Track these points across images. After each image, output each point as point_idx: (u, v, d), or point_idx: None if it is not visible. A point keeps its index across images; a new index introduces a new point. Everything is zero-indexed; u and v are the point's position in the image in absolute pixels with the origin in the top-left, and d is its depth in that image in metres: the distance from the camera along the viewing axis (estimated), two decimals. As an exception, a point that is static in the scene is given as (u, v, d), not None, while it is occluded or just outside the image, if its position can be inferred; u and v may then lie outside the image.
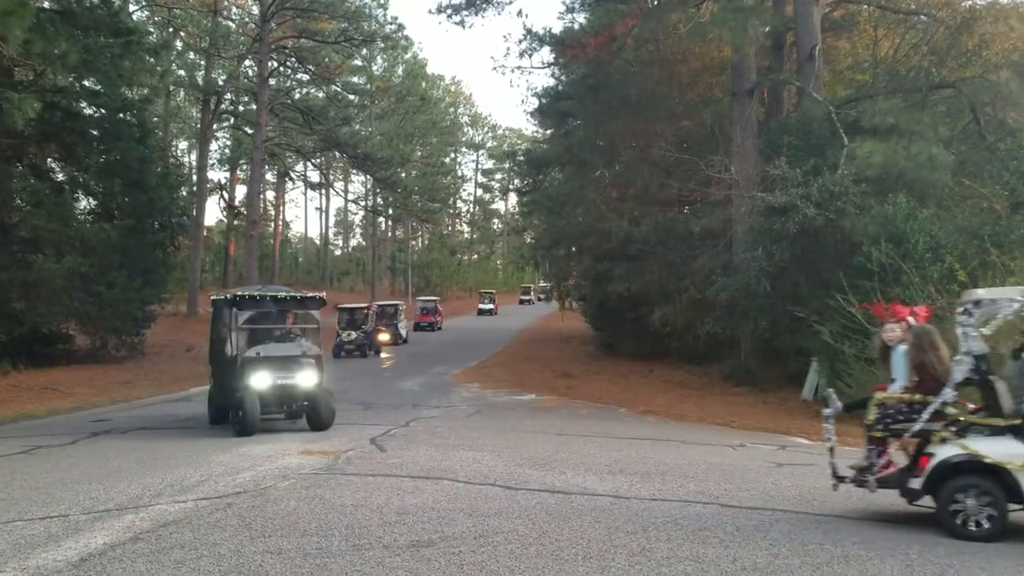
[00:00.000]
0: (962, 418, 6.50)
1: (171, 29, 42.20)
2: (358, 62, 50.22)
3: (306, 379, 11.95)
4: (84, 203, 28.73)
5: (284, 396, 12.07)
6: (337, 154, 50.91)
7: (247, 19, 45.43)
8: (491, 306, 62.60)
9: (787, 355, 18.95)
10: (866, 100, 19.91)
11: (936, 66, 21.84)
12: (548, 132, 42.71)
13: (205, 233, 48.05)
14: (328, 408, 12.06)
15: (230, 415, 12.54)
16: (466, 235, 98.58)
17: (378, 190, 57.25)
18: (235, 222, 53.82)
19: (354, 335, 30.81)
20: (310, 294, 13.39)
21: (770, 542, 5.95)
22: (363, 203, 69.04)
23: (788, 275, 17.80)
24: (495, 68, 73.86)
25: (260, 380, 11.77)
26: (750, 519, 6.70)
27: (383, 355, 31.70)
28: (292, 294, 13.24)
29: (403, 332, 38.04)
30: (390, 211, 64.32)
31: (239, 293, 12.58)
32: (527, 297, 79.33)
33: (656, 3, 22.67)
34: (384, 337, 34.71)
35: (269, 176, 62.28)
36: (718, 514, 6.82)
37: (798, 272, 17.78)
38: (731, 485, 8.10)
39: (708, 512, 6.89)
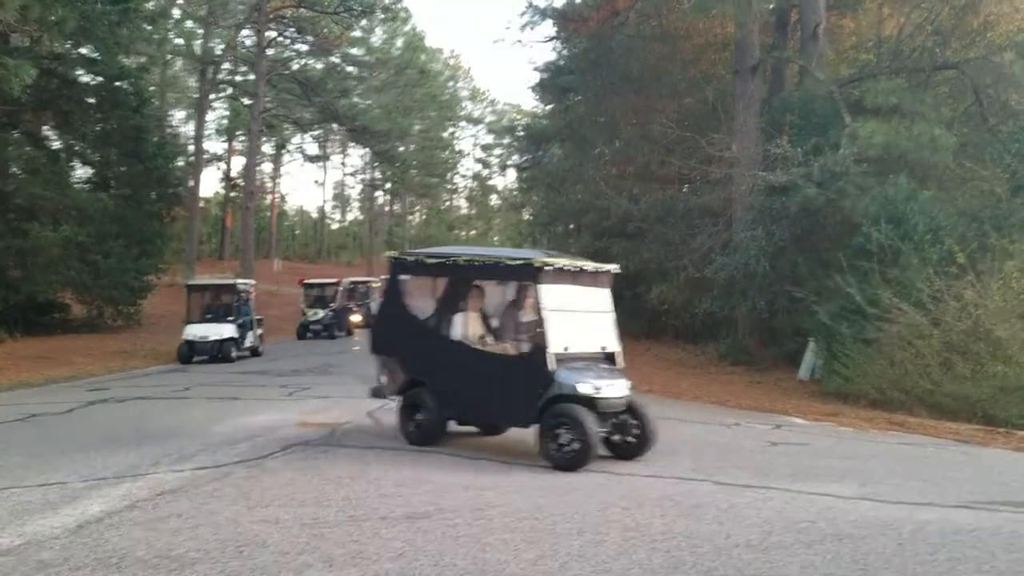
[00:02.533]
0: None
1: (169, -3, 41.73)
2: (357, 33, 49.74)
3: (624, 386, 8.27)
4: (81, 172, 28.64)
5: (607, 411, 8.07)
6: (335, 126, 50.67)
7: (246, -12, 44.97)
8: None
9: (784, 335, 19.00)
10: (869, 80, 19.78)
11: (940, 47, 21.67)
12: (548, 107, 42.46)
13: (202, 204, 47.94)
14: (655, 424, 8.29)
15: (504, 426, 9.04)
16: (464, 211, 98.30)
17: (376, 164, 57.07)
18: (232, 194, 53.66)
19: (321, 314, 28.74)
20: (605, 266, 9.03)
21: (764, 519, 5.98)
22: (361, 177, 68.80)
23: (787, 255, 17.78)
24: (496, 42, 73.47)
25: (586, 390, 7.77)
26: (744, 496, 6.73)
27: (355, 338, 28.75)
28: (597, 265, 8.87)
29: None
30: (388, 185, 64.13)
31: (546, 261, 8.00)
32: None
33: (660, -23, 22.47)
34: (356, 318, 31.13)
35: (266, 148, 61.89)
36: (712, 491, 6.85)
37: (797, 252, 17.77)
38: (726, 463, 8.13)
39: (702, 489, 6.92)
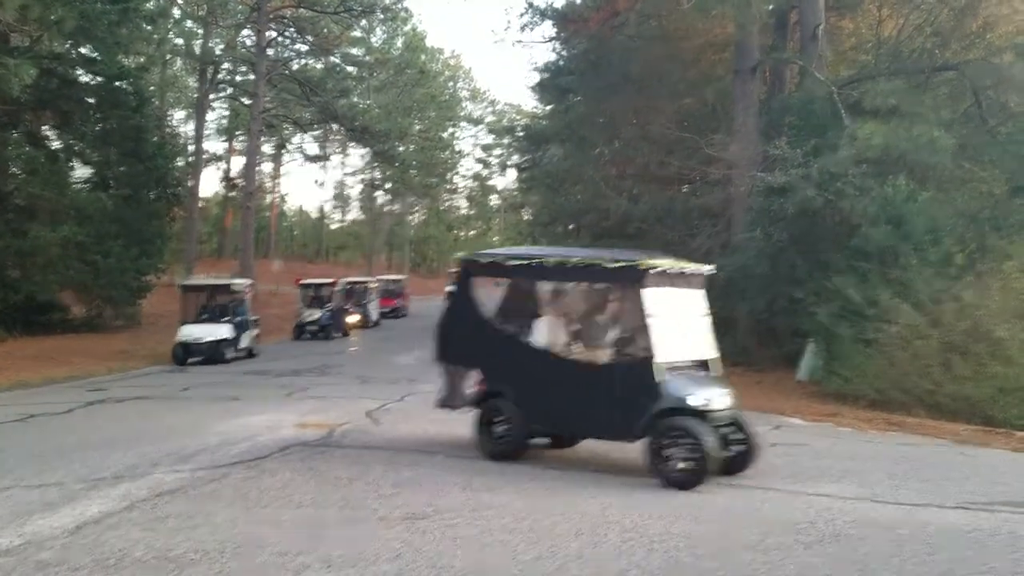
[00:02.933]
0: None
1: (169, -4, 41.73)
2: (357, 33, 49.66)
3: (729, 397, 7.67)
4: (80, 171, 28.57)
5: (715, 424, 7.38)
6: (335, 126, 50.54)
7: (246, -13, 44.94)
8: None
9: (784, 336, 18.98)
10: (868, 81, 19.78)
11: (939, 48, 21.67)
12: (548, 108, 42.46)
13: (202, 204, 47.87)
14: (758, 437, 7.74)
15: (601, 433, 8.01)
16: (464, 211, 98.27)
17: (376, 163, 57.00)
18: (232, 194, 53.61)
19: (317, 314, 27.78)
20: (703, 267, 8.68)
21: (762, 520, 5.99)
22: (361, 176, 68.75)
23: (786, 256, 17.77)
24: (496, 42, 73.35)
25: (697, 402, 7.29)
26: (743, 497, 6.74)
27: (352, 338, 29.01)
28: (696, 267, 8.52)
29: (373, 314, 34.54)
30: (388, 185, 64.05)
31: (651, 263, 7.54)
32: None
33: (660, -22, 22.44)
34: (353, 319, 31.17)
35: (266, 148, 61.80)
36: (710, 492, 6.85)
37: (796, 253, 17.75)
38: (725, 463, 8.12)
39: (700, 492, 6.92)
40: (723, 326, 21.51)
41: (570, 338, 8.15)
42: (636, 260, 7.50)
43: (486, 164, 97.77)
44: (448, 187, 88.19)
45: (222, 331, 20.43)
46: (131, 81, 26.75)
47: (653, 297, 7.37)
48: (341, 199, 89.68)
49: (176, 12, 41.01)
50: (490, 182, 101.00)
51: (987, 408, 12.34)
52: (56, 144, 27.04)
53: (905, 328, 13.72)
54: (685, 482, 6.89)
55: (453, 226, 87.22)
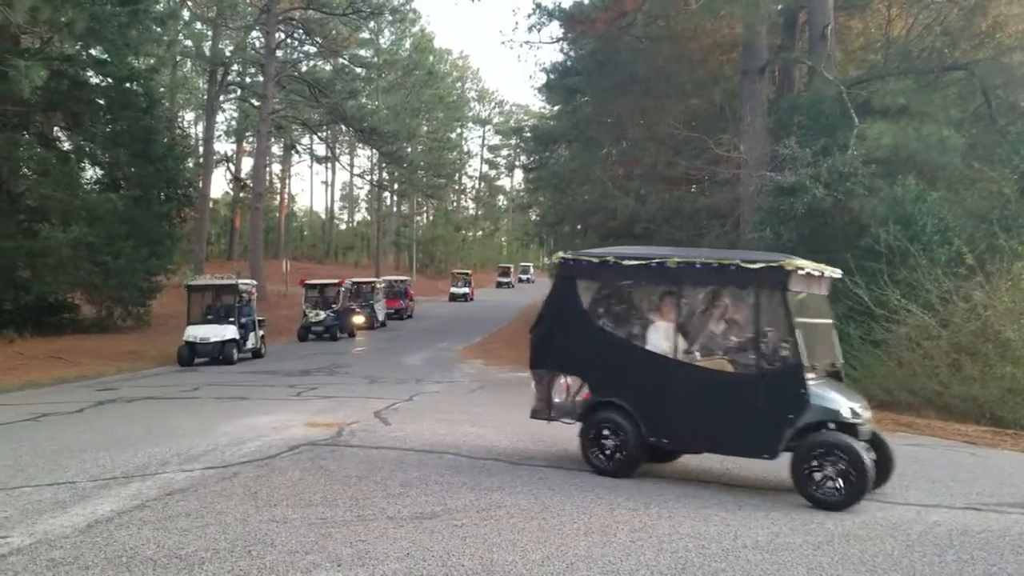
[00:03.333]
0: None
1: (178, -1, 41.90)
2: (365, 35, 49.89)
3: (868, 409, 7.14)
4: (91, 172, 28.78)
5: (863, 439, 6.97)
6: (343, 127, 50.79)
7: (255, -11, 45.09)
8: (466, 290, 53.83)
9: (792, 336, 18.92)
10: (877, 80, 19.75)
11: (949, 47, 21.61)
12: (556, 108, 42.54)
13: (211, 205, 48.03)
14: (893, 450, 7.19)
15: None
16: (471, 211, 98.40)
17: (384, 164, 57.13)
18: (241, 195, 53.79)
19: (323, 315, 27.69)
20: (834, 270, 8.05)
21: (771, 520, 5.98)
22: (369, 177, 68.91)
23: (795, 255, 17.73)
24: (503, 43, 73.48)
25: (847, 415, 6.73)
26: (751, 498, 6.73)
27: (358, 339, 28.93)
28: (831, 270, 7.96)
29: (379, 315, 34.27)
30: (396, 186, 64.21)
31: (797, 264, 7.03)
32: (506, 279, 68.53)
33: (668, -22, 22.45)
34: (359, 320, 31.30)
35: (275, 149, 62.07)
36: (720, 493, 6.85)
37: (805, 253, 17.59)
38: (733, 464, 8.12)
39: (709, 491, 6.93)
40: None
41: (694, 344, 7.48)
42: (779, 260, 6.95)
43: (493, 165, 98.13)
44: (456, 188, 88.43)
45: (228, 331, 20.37)
46: (141, 83, 26.90)
47: (795, 300, 6.91)
48: (349, 200, 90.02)
49: (186, 14, 41.22)
50: (497, 183, 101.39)
51: (996, 409, 12.29)
52: (67, 145, 27.21)
53: (914, 329, 13.68)
54: (839, 503, 6.37)
55: (461, 226, 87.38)
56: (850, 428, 6.61)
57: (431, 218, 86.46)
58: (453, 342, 27.04)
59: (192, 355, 19.80)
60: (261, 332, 22.49)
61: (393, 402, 12.62)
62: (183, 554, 4.88)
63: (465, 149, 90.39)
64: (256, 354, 21.84)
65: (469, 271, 60.16)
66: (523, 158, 57.02)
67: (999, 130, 18.56)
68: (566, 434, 9.88)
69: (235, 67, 45.58)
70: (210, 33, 43.33)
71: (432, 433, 9.60)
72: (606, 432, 7.42)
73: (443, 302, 50.78)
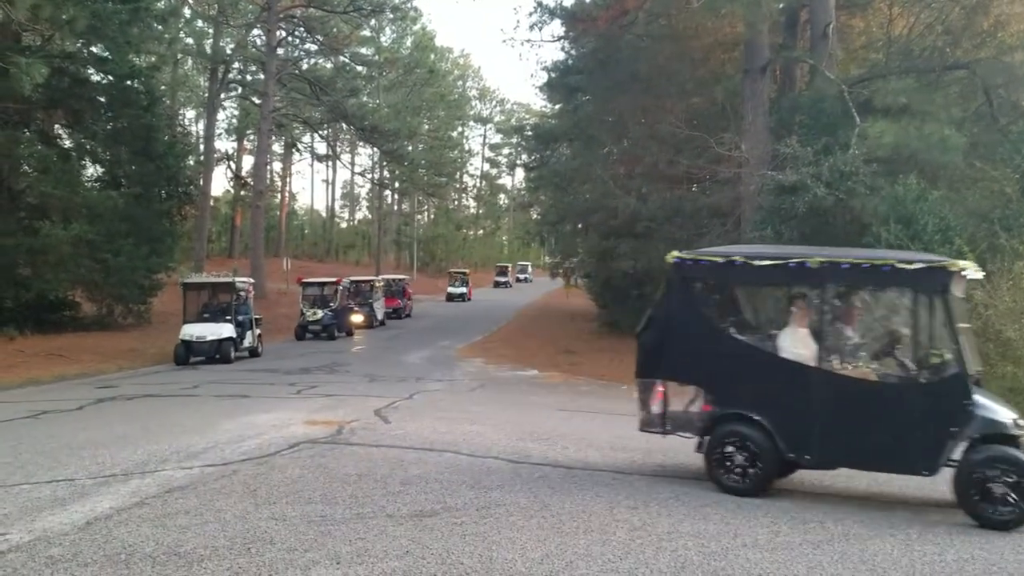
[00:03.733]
0: None
1: (179, -4, 41.87)
2: (367, 33, 49.80)
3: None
4: (91, 170, 28.78)
5: None
6: (344, 126, 50.76)
7: (256, -13, 45.08)
8: (463, 290, 51.91)
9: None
10: (879, 79, 19.73)
11: (950, 46, 21.59)
12: (557, 107, 42.46)
13: (212, 203, 48.05)
14: None
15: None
16: (472, 210, 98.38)
17: (385, 163, 57.08)
18: (242, 193, 53.81)
19: (320, 314, 27.28)
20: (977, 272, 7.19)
21: (771, 519, 5.98)
22: (370, 176, 68.90)
23: (796, 255, 17.74)
24: (504, 41, 73.61)
25: (1011, 425, 6.27)
26: (752, 498, 6.72)
27: (356, 338, 28.56)
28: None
29: (379, 313, 33.84)
30: (396, 184, 64.17)
31: (960, 264, 6.59)
32: (503, 279, 66.51)
33: (669, -23, 22.44)
34: (358, 318, 30.96)
35: (276, 147, 62.07)
36: (719, 491, 6.84)
37: (806, 252, 17.72)
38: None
39: (709, 489, 6.91)
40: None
41: (836, 351, 6.87)
42: (941, 261, 6.53)
43: (495, 163, 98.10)
44: (457, 186, 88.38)
45: (225, 330, 20.04)
46: (142, 80, 26.91)
47: (957, 303, 6.41)
48: (350, 198, 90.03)
49: (187, 12, 41.19)
50: (499, 181, 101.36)
51: (997, 408, 12.28)
52: (67, 143, 27.22)
53: (915, 328, 13.66)
54: (1011, 522, 5.90)
55: (462, 225, 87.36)
56: (1012, 440, 6.16)
57: (432, 216, 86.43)
58: (453, 341, 27.03)
59: (188, 354, 19.47)
60: (258, 331, 22.20)
61: (393, 400, 12.62)
62: (182, 551, 4.87)
63: (466, 147, 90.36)
64: (253, 353, 21.51)
65: (467, 270, 58.18)
66: (524, 157, 56.95)
67: (1000, 129, 18.54)
68: (564, 432, 9.89)
69: (236, 65, 45.57)
70: (211, 31, 43.29)
71: (432, 431, 9.60)
72: (732, 448, 6.78)
73: (443, 301, 50.70)
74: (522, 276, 72.86)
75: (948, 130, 16.73)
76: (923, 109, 17.54)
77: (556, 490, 6.70)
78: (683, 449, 8.79)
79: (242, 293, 21.74)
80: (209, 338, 19.64)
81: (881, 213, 15.51)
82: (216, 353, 19.63)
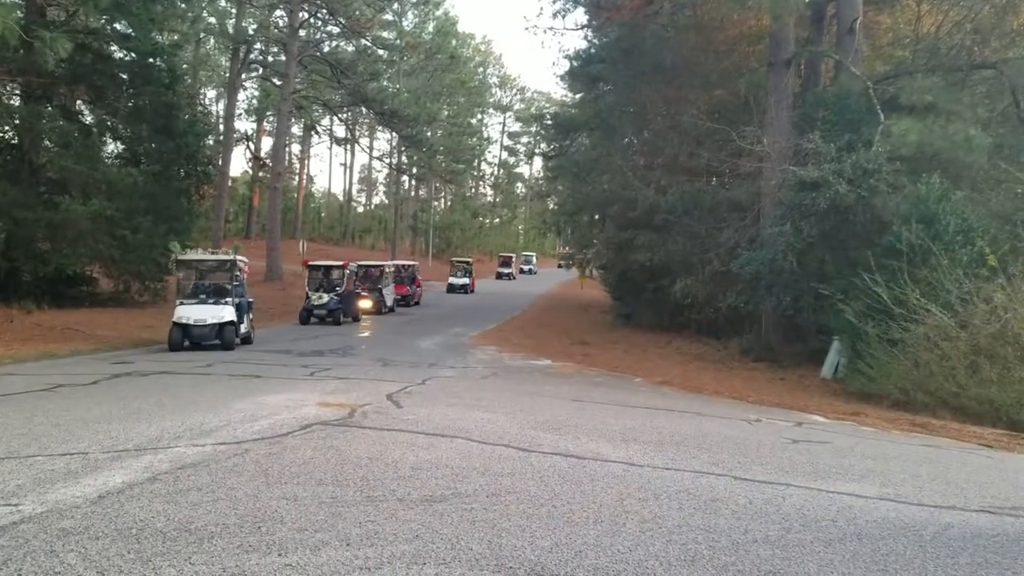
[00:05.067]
0: None
1: (203, -25, 41.95)
2: (389, 16, 49.86)
3: None
4: (112, 147, 28.96)
5: None
6: (364, 109, 50.82)
7: (279, -32, 45.07)
8: (465, 280, 49.37)
9: (809, 332, 18.83)
10: (905, 77, 19.52)
11: (979, 45, 21.32)
12: (578, 96, 42.34)
13: (230, 183, 48.24)
14: None
15: None
16: (489, 198, 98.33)
17: (403, 148, 57.13)
18: (260, 174, 53.98)
19: (326, 298, 26.80)
20: None
21: (783, 516, 5.92)
22: (387, 160, 68.97)
23: (815, 251, 17.61)
24: (527, 28, 73.49)
25: None
26: (763, 493, 6.67)
27: (363, 323, 28.30)
28: None
29: (388, 300, 33.47)
30: (414, 170, 64.25)
31: None
32: (507, 271, 63.78)
33: (695, -32, 22.24)
34: (366, 304, 30.70)
35: (295, 129, 62.29)
36: (731, 486, 6.79)
37: (825, 249, 17.60)
38: (745, 458, 8.06)
39: (721, 484, 6.86)
40: (748, 321, 21.53)
41: None
42: None
43: (513, 152, 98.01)
44: (474, 174, 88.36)
45: (226, 312, 18.32)
46: (164, 58, 27.03)
47: None
48: (367, 183, 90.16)
49: (210, -9, 41.28)
50: (516, 170, 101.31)
51: (1013, 413, 12.17)
52: (89, 119, 27.38)
53: (932, 329, 13.56)
54: None
55: (478, 213, 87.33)
56: None
57: (449, 203, 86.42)
58: (466, 328, 27.04)
59: (184, 338, 17.85)
60: (250, 315, 20.84)
61: (406, 385, 12.63)
62: (193, 528, 4.88)
63: (485, 135, 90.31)
64: (246, 340, 19.89)
65: (470, 259, 55.27)
66: (543, 145, 56.80)
67: (1027, 130, 18.32)
68: (576, 422, 9.86)
69: (258, 45, 45.73)
70: (234, 11, 43.43)
71: (444, 417, 9.59)
72: None
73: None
74: (527, 267, 71.21)
75: (973, 130, 16.55)
76: (949, 108, 17.36)
77: (567, 480, 6.68)
78: (699, 444, 8.75)
79: (239, 273, 20.39)
80: (209, 321, 17.98)
81: (903, 212, 15.39)
82: (217, 339, 18.10)
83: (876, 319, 14.42)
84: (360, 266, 33.10)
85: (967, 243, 14.70)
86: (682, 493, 6.46)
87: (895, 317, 14.07)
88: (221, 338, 18.10)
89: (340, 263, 29.50)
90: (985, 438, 10.99)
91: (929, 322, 13.64)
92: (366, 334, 24.29)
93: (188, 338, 17.85)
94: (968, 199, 16.39)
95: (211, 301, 18.64)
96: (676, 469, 7.45)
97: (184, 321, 17.84)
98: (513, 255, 70.08)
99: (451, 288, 48.32)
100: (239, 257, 20.50)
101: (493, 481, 6.46)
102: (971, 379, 12.98)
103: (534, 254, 78.32)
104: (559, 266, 76.07)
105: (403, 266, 40.21)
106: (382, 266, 35.31)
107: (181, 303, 18.48)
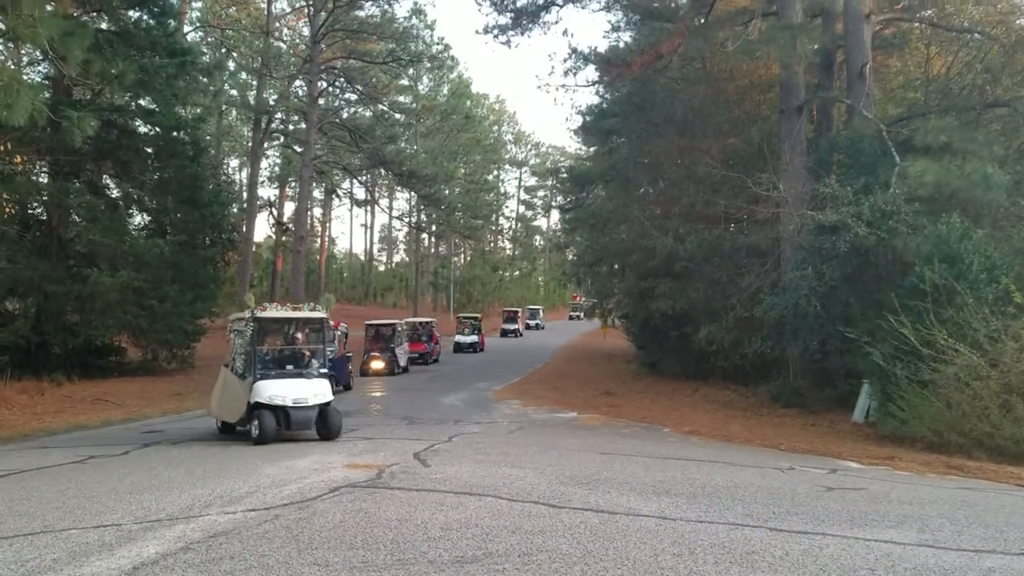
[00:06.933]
0: None
1: (224, 50, 43.42)
2: (405, 81, 50.97)
3: None
4: (138, 219, 29.55)
5: None
6: (383, 171, 51.67)
7: (298, 40, 46.51)
8: (474, 338, 44.89)
9: (837, 376, 18.62)
10: (918, 118, 19.61)
11: (990, 84, 21.42)
12: (592, 149, 42.84)
13: (254, 248, 48.92)
14: None
15: None
16: (508, 251, 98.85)
17: (422, 207, 57.82)
18: (283, 238, 54.73)
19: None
20: None
21: (820, 567, 5.83)
22: (407, 219, 69.77)
23: (838, 295, 17.52)
24: (539, 87, 74.53)
25: None
26: (799, 543, 6.57)
27: (380, 382, 27.69)
28: None
29: (401, 359, 32.04)
30: (433, 227, 64.90)
31: None
32: (512, 327, 60.70)
33: (703, 21, 22.61)
34: (378, 365, 29.94)
35: (317, 193, 63.25)
36: (766, 538, 6.70)
37: (849, 292, 17.50)
38: (780, 508, 7.96)
39: (756, 536, 6.77)
40: (775, 367, 21.34)
41: None
42: None
43: (530, 205, 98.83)
44: (492, 228, 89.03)
45: (325, 389, 13.56)
46: (188, 131, 27.73)
47: None
48: (388, 242, 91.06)
49: (231, 65, 42.57)
50: (534, 223, 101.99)
51: (1051, 452, 11.93)
52: (115, 192, 27.99)
53: (962, 369, 13.37)
54: None
55: (498, 266, 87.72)
56: None
57: (468, 258, 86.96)
58: (490, 383, 26.99)
59: (279, 425, 13.01)
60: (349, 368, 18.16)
61: (432, 443, 12.61)
62: (226, 597, 4.89)
63: (502, 190, 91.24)
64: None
65: (478, 315, 50.95)
66: (559, 198, 57.28)
67: (1045, 166, 18.28)
68: (606, 476, 9.78)
69: (279, 115, 46.76)
70: (255, 83, 44.59)
71: (472, 475, 9.55)
72: None
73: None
74: (533, 322, 68.17)
75: (991, 168, 16.54)
76: (964, 147, 17.38)
77: (598, 536, 6.62)
78: (732, 495, 8.64)
79: (327, 332, 16.01)
80: (312, 402, 13.21)
81: (924, 252, 15.32)
82: (320, 426, 13.36)
83: (905, 361, 14.27)
84: (369, 325, 32.31)
85: (992, 281, 14.58)
86: (717, 547, 6.38)
87: (923, 358, 13.91)
88: (324, 424, 13.35)
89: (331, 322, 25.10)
90: (1022, 479, 10.77)
91: (958, 362, 13.47)
92: (385, 394, 24.31)
93: (288, 426, 13.06)
94: (990, 237, 16.30)
95: (299, 372, 13.89)
96: (710, 522, 7.36)
97: (277, 402, 13.00)
98: (519, 309, 66.14)
99: (458, 347, 43.70)
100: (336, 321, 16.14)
101: (524, 540, 6.41)
102: (1005, 418, 12.76)
103: (540, 307, 75.32)
104: (570, 317, 74.30)
105: (420, 323, 38.87)
106: (393, 324, 33.61)
107: (262, 377, 13.30)
